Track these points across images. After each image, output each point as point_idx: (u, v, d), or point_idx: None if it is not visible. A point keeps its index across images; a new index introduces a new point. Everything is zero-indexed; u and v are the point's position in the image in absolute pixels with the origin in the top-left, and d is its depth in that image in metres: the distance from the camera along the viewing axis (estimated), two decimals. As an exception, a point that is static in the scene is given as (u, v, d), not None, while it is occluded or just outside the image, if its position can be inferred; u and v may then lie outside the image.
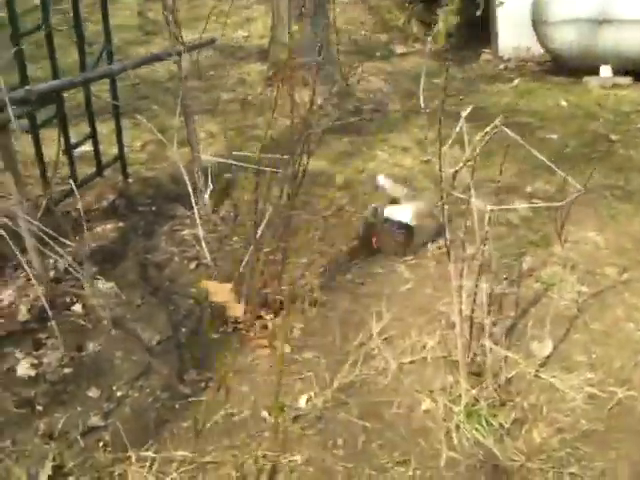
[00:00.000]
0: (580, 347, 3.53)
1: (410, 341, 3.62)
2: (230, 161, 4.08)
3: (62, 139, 4.54)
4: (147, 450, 3.00)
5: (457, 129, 3.20)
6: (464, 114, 3.05)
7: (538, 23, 8.35)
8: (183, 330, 3.88)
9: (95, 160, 5.10)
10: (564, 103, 6.84)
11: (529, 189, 5.20)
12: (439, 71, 8.33)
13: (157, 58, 4.88)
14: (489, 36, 9.81)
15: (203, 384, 3.44)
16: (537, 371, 3.32)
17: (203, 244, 4.23)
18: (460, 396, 3.17)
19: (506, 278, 4.13)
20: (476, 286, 3.13)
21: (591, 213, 4.82)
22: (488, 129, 3.09)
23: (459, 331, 3.20)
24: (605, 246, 4.42)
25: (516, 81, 7.57)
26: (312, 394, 3.35)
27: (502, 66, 9.23)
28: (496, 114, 6.80)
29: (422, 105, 3.23)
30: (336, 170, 5.61)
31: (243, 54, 8.09)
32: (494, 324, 3.67)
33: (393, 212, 4.43)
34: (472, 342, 3.22)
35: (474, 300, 3.15)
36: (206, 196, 4.85)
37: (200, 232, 4.25)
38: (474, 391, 3.15)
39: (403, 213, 4.41)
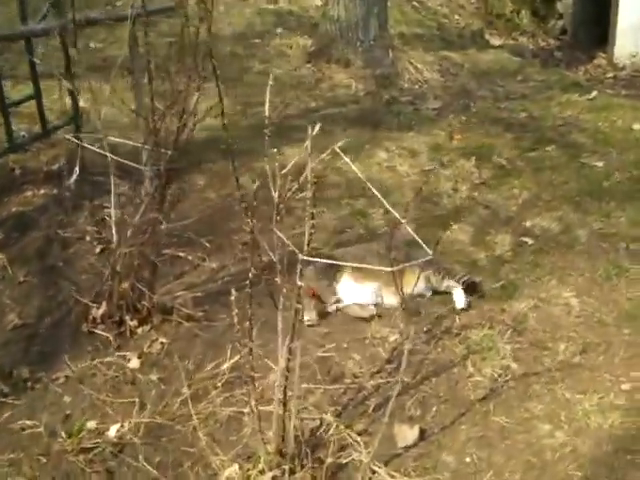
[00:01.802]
0: (458, 444, 2.73)
1: (260, 387, 2.95)
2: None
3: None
4: None
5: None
6: (312, 132, 2.30)
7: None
8: (48, 319, 3.46)
9: (40, 122, 4.68)
10: (637, 127, 5.72)
11: (528, 224, 4.29)
12: (518, 71, 7.48)
13: (95, 21, 4.35)
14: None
15: (29, 384, 3.07)
16: (373, 470, 2.56)
17: (113, 228, 3.70)
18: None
19: (427, 331, 3.35)
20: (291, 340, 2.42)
21: (586, 266, 3.87)
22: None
23: (276, 401, 2.51)
24: (578, 313, 3.51)
25: (594, 93, 6.47)
26: (126, 424, 2.85)
27: (611, 74, 8.05)
28: (546, 128, 5.97)
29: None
30: (319, 166, 4.89)
31: (296, 24, 7.44)
32: (376, 389, 2.96)
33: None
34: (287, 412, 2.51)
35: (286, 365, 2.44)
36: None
37: (113, 214, 3.73)
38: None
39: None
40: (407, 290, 3.56)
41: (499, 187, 4.71)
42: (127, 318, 3.38)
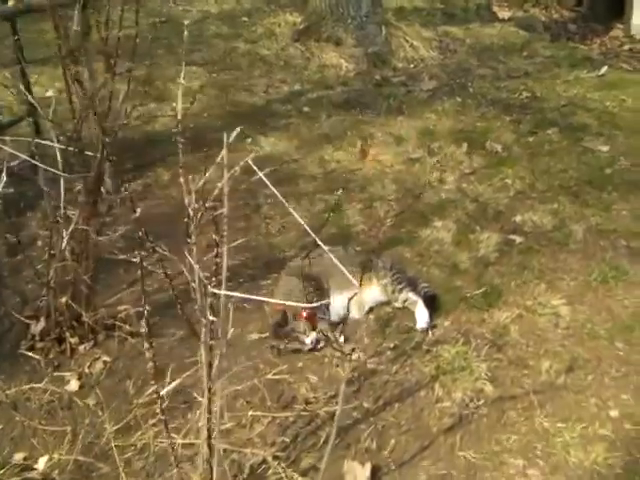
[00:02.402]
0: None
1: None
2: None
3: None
4: None
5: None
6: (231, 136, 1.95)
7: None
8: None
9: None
10: (649, 106, 5.30)
11: (518, 218, 3.91)
12: (524, 46, 7.01)
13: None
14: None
15: None
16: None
17: (64, 233, 3.40)
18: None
19: (394, 348, 3.01)
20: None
21: (580, 268, 3.51)
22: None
23: (202, 441, 2.20)
24: (567, 324, 3.14)
25: (604, 69, 6.02)
26: (57, 456, 2.59)
27: (627, 47, 7.58)
28: (549, 109, 5.53)
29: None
30: (297, 156, 4.56)
31: (287, 0, 7.04)
32: (331, 416, 2.64)
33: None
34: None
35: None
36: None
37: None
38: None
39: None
40: (367, 300, 3.25)
41: (490, 177, 4.33)
42: (67, 335, 3.09)
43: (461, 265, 3.53)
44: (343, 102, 5.37)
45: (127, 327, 3.12)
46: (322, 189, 4.19)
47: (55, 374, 3.00)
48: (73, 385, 2.97)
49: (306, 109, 5.22)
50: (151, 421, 2.71)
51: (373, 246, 3.69)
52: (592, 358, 2.94)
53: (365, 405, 2.74)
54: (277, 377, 2.84)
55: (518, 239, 3.74)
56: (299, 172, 4.35)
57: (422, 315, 3.09)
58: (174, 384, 2.70)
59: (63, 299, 3.05)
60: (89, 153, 2.84)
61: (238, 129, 2.08)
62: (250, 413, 2.67)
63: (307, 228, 1.93)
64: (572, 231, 3.79)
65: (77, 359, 3.07)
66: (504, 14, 8.42)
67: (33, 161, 2.81)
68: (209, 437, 2.19)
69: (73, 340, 3.10)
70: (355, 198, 4.10)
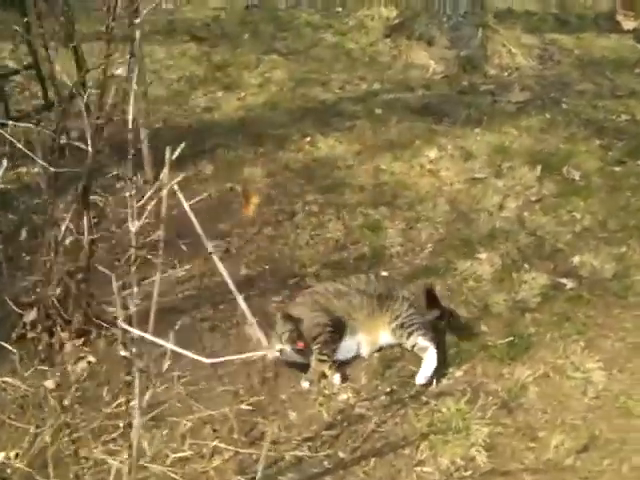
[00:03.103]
0: None
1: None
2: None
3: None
4: None
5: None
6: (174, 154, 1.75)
7: None
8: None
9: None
10: None
11: (576, 259, 3.49)
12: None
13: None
14: None
15: None
16: None
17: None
18: None
19: (390, 393, 2.73)
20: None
21: (632, 327, 3.09)
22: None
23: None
24: (597, 394, 2.74)
25: None
26: (13, 454, 2.49)
27: None
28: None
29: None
30: (351, 162, 4.28)
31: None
32: (297, 462, 2.41)
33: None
34: None
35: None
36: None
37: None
38: None
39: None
40: (378, 342, 2.95)
41: (557, 208, 3.90)
42: (57, 329, 2.98)
43: (494, 307, 3.17)
44: (420, 107, 5.03)
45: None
46: (367, 202, 3.90)
47: (39, 367, 2.90)
48: (50, 383, 2.86)
49: (378, 111, 4.92)
50: (113, 434, 2.56)
51: (404, 272, 3.40)
52: (615, 439, 2.54)
53: (340, 455, 2.48)
54: (253, 408, 2.62)
55: (569, 284, 3.33)
56: (348, 180, 4.08)
57: (425, 368, 2.75)
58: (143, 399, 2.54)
59: (57, 290, 2.95)
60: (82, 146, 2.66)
61: (182, 145, 1.87)
62: (213, 443, 2.47)
63: (231, 285, 1.67)
64: (634, 282, 3.34)
65: (64, 355, 2.96)
66: (629, 24, 7.70)
67: (27, 151, 2.66)
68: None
69: (63, 335, 2.99)
70: (399, 216, 3.79)
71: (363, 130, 4.65)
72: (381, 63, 5.64)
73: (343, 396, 2.70)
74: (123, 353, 1.87)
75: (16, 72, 4.23)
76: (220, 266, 1.71)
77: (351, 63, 5.64)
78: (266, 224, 3.68)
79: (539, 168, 4.24)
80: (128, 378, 2.00)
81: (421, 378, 2.72)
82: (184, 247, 3.46)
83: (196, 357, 1.59)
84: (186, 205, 1.68)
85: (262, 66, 5.44)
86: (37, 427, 2.59)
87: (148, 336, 1.69)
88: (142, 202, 1.81)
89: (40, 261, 2.91)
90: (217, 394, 2.73)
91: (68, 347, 3.00)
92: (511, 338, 2.98)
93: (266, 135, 4.50)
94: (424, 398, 2.68)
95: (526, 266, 3.43)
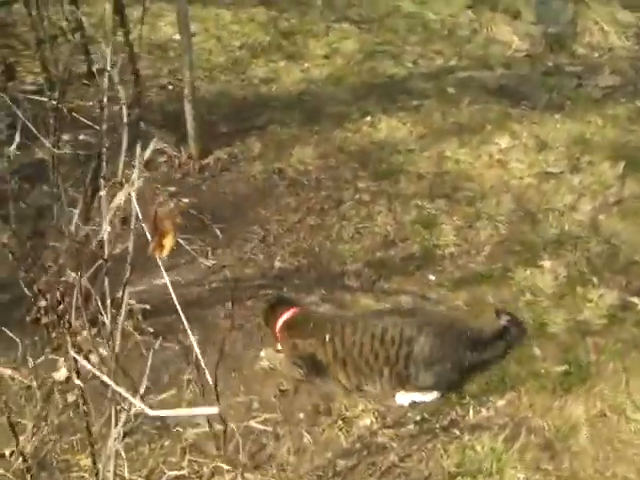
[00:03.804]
0: None
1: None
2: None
3: None
4: None
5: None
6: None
7: None
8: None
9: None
10: None
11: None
12: None
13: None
14: None
15: None
16: None
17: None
18: None
19: (420, 422, 2.42)
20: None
21: None
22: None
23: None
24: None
25: None
26: (7, 452, 2.34)
27: None
28: None
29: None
30: (413, 147, 3.93)
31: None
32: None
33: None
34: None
35: None
36: (191, 141, 3.69)
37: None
38: None
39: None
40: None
41: (639, 213, 3.46)
42: (70, 316, 2.80)
43: (551, 327, 2.80)
44: (497, 88, 4.60)
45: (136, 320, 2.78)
46: (424, 193, 3.56)
47: (51, 356, 2.74)
48: (62, 374, 2.71)
49: (450, 90, 4.52)
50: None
51: (454, 278, 3.06)
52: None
53: (352, 491, 2.21)
54: (266, 427, 2.37)
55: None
56: (406, 167, 3.74)
57: (417, 397, 2.47)
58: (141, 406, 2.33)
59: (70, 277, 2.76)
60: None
61: (154, 141, 1.60)
62: (214, 463, 2.24)
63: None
64: None
65: (77, 345, 2.78)
66: None
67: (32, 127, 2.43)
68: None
69: (77, 323, 2.81)
70: (458, 212, 3.44)
71: (431, 111, 4.27)
72: (460, 37, 5.20)
73: (366, 421, 2.42)
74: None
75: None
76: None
77: (427, 35, 5.22)
78: (310, 212, 3.41)
79: (622, 165, 3.78)
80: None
81: (404, 399, 2.44)
82: (219, 232, 3.26)
83: (142, 406, 1.34)
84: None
85: (331, 35, 5.10)
86: (34, 426, 2.44)
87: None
88: (115, 204, 1.54)
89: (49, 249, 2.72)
90: (228, 405, 2.50)
91: (83, 336, 2.82)
92: (566, 367, 2.62)
93: (324, 112, 4.19)
94: (457, 431, 2.38)
95: (594, 280, 3.04)
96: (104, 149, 2.29)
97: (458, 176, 3.70)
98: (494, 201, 3.53)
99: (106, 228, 1.57)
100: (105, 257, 1.64)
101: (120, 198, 1.48)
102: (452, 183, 3.66)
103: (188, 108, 3.60)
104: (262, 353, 2.69)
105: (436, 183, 3.65)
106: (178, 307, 1.56)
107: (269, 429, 2.33)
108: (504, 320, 2.73)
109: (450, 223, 3.37)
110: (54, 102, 2.33)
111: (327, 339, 2.48)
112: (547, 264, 3.12)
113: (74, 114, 2.45)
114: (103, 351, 2.78)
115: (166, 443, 2.38)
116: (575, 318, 2.85)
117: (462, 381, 2.54)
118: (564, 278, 3.05)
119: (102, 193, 1.64)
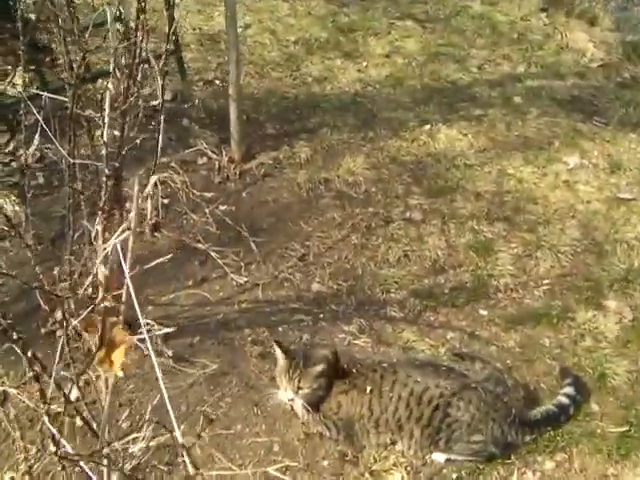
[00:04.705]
0: None
1: None
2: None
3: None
4: None
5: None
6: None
7: None
8: (22, 304, 2.82)
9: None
10: None
11: None
12: None
13: None
14: None
15: None
16: None
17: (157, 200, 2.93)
18: None
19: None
20: None
21: None
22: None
23: None
24: None
25: None
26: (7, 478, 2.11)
27: None
28: None
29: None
30: (473, 161, 3.64)
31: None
32: None
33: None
34: None
35: None
36: (234, 143, 3.47)
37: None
38: None
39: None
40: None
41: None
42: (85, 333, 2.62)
43: (612, 379, 2.51)
44: (568, 99, 4.26)
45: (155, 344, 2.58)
46: (481, 214, 3.27)
47: (63, 373, 2.56)
48: (72, 394, 2.52)
49: (517, 99, 4.20)
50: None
51: (506, 315, 2.78)
52: None
53: None
54: (283, 472, 2.15)
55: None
56: (463, 184, 3.45)
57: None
58: (153, 441, 2.14)
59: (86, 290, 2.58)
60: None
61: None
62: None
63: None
64: None
65: (91, 362, 2.60)
66: None
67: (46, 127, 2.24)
68: None
69: (91, 340, 2.63)
70: (517, 238, 3.15)
71: (494, 122, 3.96)
72: (531, 42, 4.85)
73: (397, 476, 2.17)
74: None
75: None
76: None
77: (496, 38, 4.88)
78: (355, 229, 3.16)
79: None
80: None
81: (441, 456, 2.21)
82: (254, 246, 3.03)
83: None
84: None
85: (393, 33, 4.80)
86: (38, 451, 2.27)
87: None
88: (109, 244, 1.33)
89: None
90: (247, 445, 2.29)
91: (99, 354, 2.64)
92: (626, 427, 2.33)
93: (379, 117, 3.93)
94: (497, 495, 2.12)
95: (665, 327, 2.73)
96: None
97: (520, 197, 3.40)
98: (558, 227, 3.22)
99: (99, 268, 1.36)
100: (98, 300, 1.42)
101: (114, 241, 1.26)
102: (513, 204, 3.36)
103: (232, 108, 3.38)
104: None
105: (495, 204, 3.35)
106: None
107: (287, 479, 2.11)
108: (567, 389, 2.41)
109: (508, 250, 3.08)
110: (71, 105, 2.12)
111: (368, 391, 2.23)
112: (612, 304, 2.82)
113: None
114: (120, 372, 2.61)
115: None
116: (638, 370, 2.55)
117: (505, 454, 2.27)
118: (629, 322, 2.75)
119: (98, 227, 1.42)
